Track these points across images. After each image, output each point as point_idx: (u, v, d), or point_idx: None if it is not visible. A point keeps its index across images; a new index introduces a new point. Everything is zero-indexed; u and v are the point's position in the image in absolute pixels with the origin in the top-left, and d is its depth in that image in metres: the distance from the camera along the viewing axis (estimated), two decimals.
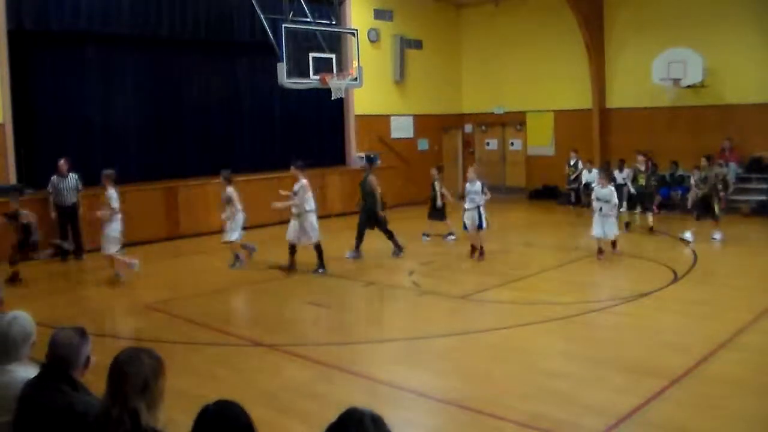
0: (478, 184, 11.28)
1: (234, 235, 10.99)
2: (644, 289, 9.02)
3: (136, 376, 2.57)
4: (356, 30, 15.56)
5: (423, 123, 20.61)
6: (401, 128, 20.03)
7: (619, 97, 18.55)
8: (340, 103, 17.45)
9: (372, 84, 17.09)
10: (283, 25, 13.30)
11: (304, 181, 10.64)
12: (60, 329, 3.12)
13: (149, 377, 2.60)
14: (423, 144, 20.73)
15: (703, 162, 13.21)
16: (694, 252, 11.52)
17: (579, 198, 17.77)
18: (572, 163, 18.32)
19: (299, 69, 13.50)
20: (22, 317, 3.36)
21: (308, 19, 14.39)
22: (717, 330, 7.22)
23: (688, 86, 16.38)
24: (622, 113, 18.52)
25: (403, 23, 19.79)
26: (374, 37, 19.02)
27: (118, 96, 14.83)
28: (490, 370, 6.44)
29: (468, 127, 22.06)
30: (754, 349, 6.75)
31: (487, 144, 21.85)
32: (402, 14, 19.79)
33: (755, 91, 15.97)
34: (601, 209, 10.97)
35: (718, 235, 12.58)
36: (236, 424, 2.35)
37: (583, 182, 17.98)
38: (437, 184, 13.12)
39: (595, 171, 17.87)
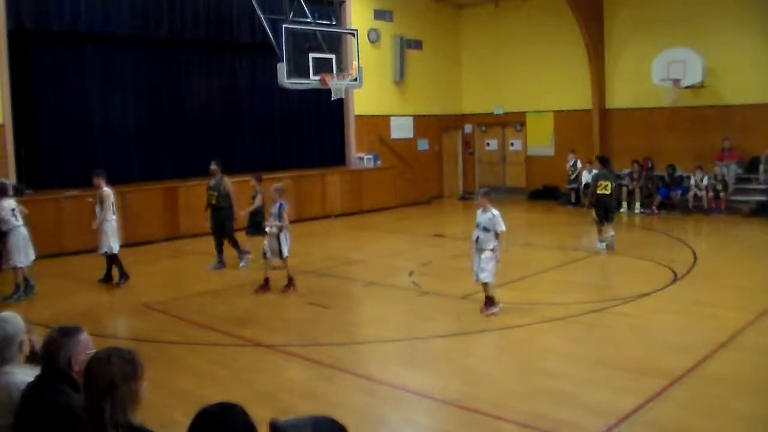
0: (277, 206, 9.56)
1: (21, 257, 9.29)
2: (644, 289, 9.02)
3: (102, 377, 2.57)
4: (356, 30, 15.58)
5: (423, 123, 20.63)
6: (401, 128, 20.05)
7: (619, 98, 18.56)
8: (340, 103, 17.45)
9: (372, 84, 17.11)
10: (283, 26, 13.33)
11: (107, 190, 10.08)
12: (52, 329, 3.08)
13: (117, 379, 2.58)
14: (423, 144, 20.75)
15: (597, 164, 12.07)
16: (693, 252, 11.51)
17: (579, 198, 17.82)
18: (571, 163, 18.42)
19: (299, 69, 13.52)
20: (5, 318, 3.27)
21: (308, 20, 14.40)
22: (717, 330, 7.21)
23: (688, 87, 16.38)
24: (621, 113, 18.52)
25: (403, 23, 19.80)
26: (374, 38, 19.03)
27: (118, 96, 14.84)
28: (490, 370, 6.44)
29: (468, 128, 22.08)
30: (754, 349, 6.76)
31: (487, 144, 21.86)
32: (402, 14, 19.80)
33: (755, 92, 15.98)
34: (477, 239, 8.03)
35: (600, 244, 11.76)
36: (235, 427, 2.32)
37: (583, 182, 18.02)
38: (259, 196, 11.31)
39: (595, 171, 17.90)
